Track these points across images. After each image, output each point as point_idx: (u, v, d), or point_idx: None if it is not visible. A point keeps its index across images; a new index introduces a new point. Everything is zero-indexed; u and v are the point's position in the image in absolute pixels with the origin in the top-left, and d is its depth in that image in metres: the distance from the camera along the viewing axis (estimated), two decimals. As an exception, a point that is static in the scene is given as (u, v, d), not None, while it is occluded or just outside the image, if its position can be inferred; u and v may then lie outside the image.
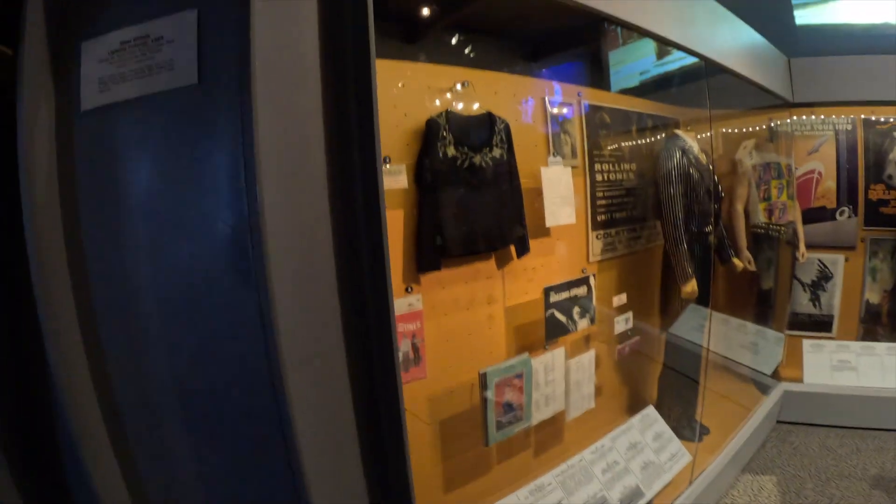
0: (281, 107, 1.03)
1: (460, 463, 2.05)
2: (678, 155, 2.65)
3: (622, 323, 2.47)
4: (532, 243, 2.21)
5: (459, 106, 1.98)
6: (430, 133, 1.84)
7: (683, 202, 2.63)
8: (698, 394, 2.84)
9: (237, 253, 1.06)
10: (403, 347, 1.74)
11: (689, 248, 2.64)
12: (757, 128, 3.67)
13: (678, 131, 2.78)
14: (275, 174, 1.01)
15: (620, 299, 2.47)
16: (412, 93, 1.88)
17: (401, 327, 1.72)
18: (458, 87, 1.96)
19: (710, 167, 2.88)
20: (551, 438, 2.40)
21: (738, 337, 3.42)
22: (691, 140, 2.76)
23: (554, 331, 2.16)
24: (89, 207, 1.24)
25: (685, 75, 2.91)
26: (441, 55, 1.99)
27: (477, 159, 1.93)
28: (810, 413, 3.34)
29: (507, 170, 2.05)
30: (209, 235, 1.11)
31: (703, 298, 2.83)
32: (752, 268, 3.26)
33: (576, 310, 2.25)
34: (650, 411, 2.46)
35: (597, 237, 2.58)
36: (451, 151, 1.87)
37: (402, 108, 1.85)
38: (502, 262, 2.15)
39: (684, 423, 2.80)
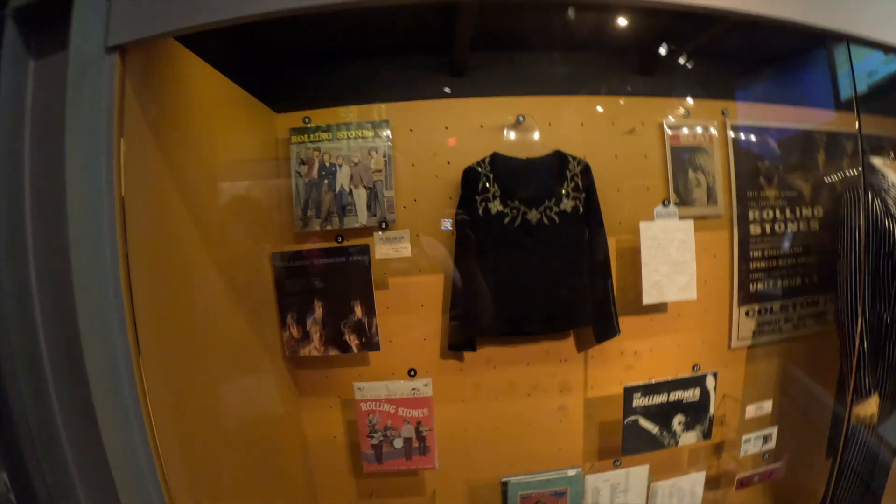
0: None
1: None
2: (867, 200, 1.64)
3: (756, 442, 1.70)
4: (635, 319, 1.68)
5: (519, 145, 1.58)
6: (467, 185, 1.52)
7: (871, 274, 1.64)
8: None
9: None
10: (405, 434, 1.51)
11: (875, 346, 1.65)
12: None
13: (878, 160, 1.72)
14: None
15: (761, 408, 1.70)
16: (461, 135, 1.58)
17: (402, 412, 1.49)
18: (517, 122, 1.56)
19: None
20: None
21: None
22: (894, 175, 1.69)
23: (636, 443, 1.61)
24: None
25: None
26: (499, 85, 1.61)
27: (533, 216, 1.52)
28: None
29: (585, 227, 1.57)
30: None
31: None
32: None
33: (678, 419, 1.63)
34: None
35: (746, 314, 1.82)
36: (495, 207, 1.51)
37: (444, 156, 1.57)
38: (585, 344, 1.68)
39: None
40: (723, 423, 1.81)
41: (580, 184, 1.55)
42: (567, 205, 1.54)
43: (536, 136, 1.59)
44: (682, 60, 1.69)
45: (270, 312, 1.52)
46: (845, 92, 1.97)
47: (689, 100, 1.72)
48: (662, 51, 1.68)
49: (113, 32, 0.82)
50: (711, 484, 1.85)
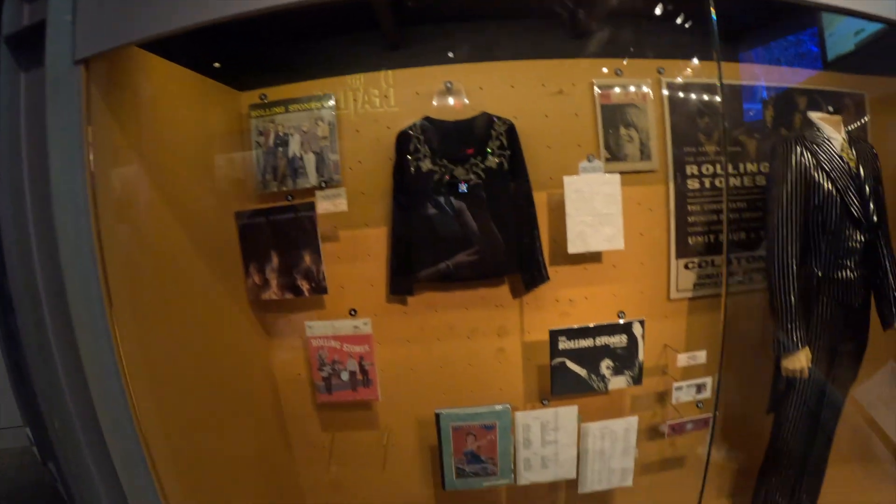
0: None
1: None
2: (797, 153, 1.63)
3: (688, 391, 1.76)
4: (569, 269, 1.80)
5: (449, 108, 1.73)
6: (400, 147, 1.69)
7: (799, 227, 1.63)
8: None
9: None
10: (349, 367, 1.71)
11: (808, 299, 1.65)
12: None
13: (815, 115, 1.69)
14: None
15: (694, 358, 1.75)
16: (399, 103, 1.75)
17: (346, 348, 1.70)
18: (446, 88, 1.71)
19: (866, 174, 1.68)
20: None
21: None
22: (833, 130, 1.65)
23: (565, 385, 1.73)
24: None
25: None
26: (433, 55, 1.76)
27: (459, 172, 1.67)
28: None
29: (510, 181, 1.70)
30: None
31: (842, 378, 1.74)
32: None
33: (606, 363, 1.73)
34: None
35: (686, 266, 1.87)
36: (426, 166, 1.67)
37: (384, 122, 1.75)
38: (519, 291, 1.81)
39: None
40: (665, 372, 1.88)
41: (505, 142, 1.68)
42: (492, 162, 1.68)
43: (466, 100, 1.73)
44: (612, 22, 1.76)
45: (237, 264, 1.77)
46: (791, 49, 1.97)
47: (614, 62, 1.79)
48: (593, 13, 1.77)
49: (78, 49, 1.05)
50: (653, 433, 1.93)
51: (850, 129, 1.83)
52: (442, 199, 1.68)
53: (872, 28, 1.89)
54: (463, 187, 1.69)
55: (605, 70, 1.79)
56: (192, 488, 1.32)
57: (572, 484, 1.80)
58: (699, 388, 1.75)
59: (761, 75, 2.01)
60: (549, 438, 1.74)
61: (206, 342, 1.55)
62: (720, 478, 2.06)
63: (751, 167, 1.89)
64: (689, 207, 1.83)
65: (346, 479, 1.91)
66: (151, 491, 1.18)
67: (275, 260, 1.74)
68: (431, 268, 1.70)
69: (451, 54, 1.76)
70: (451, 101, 1.73)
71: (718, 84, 1.70)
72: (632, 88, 1.79)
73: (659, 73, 1.82)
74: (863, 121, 2.13)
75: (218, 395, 1.57)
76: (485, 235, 1.68)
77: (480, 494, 1.89)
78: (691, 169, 1.83)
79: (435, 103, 1.73)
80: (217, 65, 1.68)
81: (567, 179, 1.67)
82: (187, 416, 1.39)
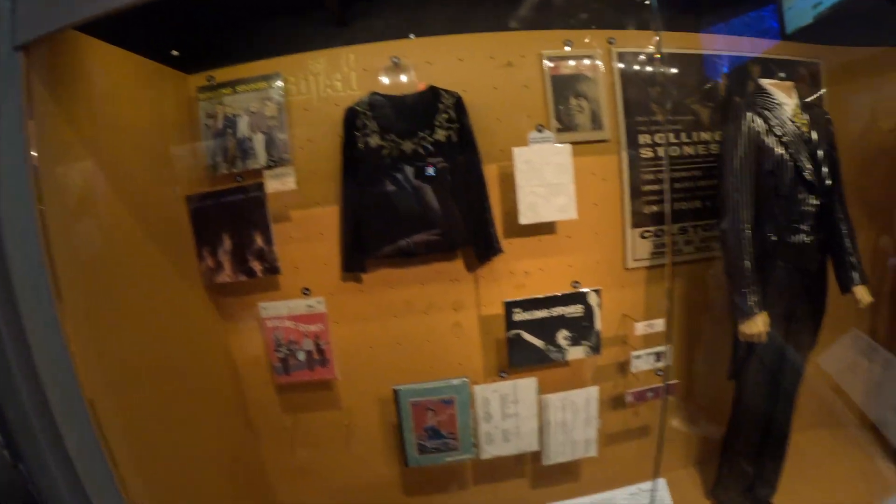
0: None
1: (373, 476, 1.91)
2: (747, 118, 1.63)
3: (647, 359, 1.76)
4: (523, 241, 1.79)
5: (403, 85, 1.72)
6: (348, 124, 1.68)
7: (751, 192, 1.63)
8: (779, 469, 1.83)
9: None
10: (305, 347, 1.70)
11: (763, 264, 1.65)
12: None
13: (767, 82, 1.69)
14: None
15: (651, 326, 1.75)
16: (347, 79, 1.74)
17: (301, 328, 1.69)
18: (393, 64, 1.70)
19: (819, 139, 1.69)
20: (509, 481, 1.96)
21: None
22: (785, 95, 1.65)
23: (523, 356, 1.72)
24: None
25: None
26: (381, 31, 1.75)
27: (407, 147, 1.66)
28: None
29: (459, 154, 1.69)
30: None
31: (801, 343, 1.74)
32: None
33: (563, 334, 1.73)
34: (660, 486, 1.71)
35: (642, 235, 1.87)
36: (374, 141, 1.67)
37: (332, 100, 1.74)
38: (473, 265, 1.81)
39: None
40: (625, 342, 1.88)
41: (453, 115, 1.68)
42: (440, 135, 1.67)
43: (413, 74, 1.72)
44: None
45: (191, 249, 1.76)
46: (753, 25, 1.97)
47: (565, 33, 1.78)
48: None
49: (18, 33, 1.02)
50: (616, 403, 1.93)
51: (808, 99, 1.84)
52: (398, 176, 1.67)
53: (830, 1, 1.90)
54: (430, 170, 1.68)
55: (554, 41, 1.79)
56: (154, 481, 1.31)
57: (538, 457, 1.80)
58: (658, 356, 1.75)
59: (721, 46, 2.01)
60: (509, 411, 1.74)
61: (162, 330, 1.54)
62: (687, 446, 2.07)
63: (705, 136, 1.89)
64: (644, 176, 1.83)
65: (311, 462, 1.90)
66: (111, 488, 1.17)
67: (227, 242, 1.73)
68: (391, 245, 1.69)
69: (399, 30, 1.75)
70: (398, 76, 1.72)
71: (658, 54, 1.71)
72: (582, 59, 1.79)
73: (610, 43, 1.81)
74: (820, 93, 2.15)
75: (177, 383, 1.55)
76: (436, 210, 1.67)
77: (447, 470, 1.90)
78: (644, 138, 1.83)
79: (385, 80, 1.71)
80: (168, 49, 1.66)
81: (516, 151, 1.66)
82: (146, 407, 1.37)
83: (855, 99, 2.23)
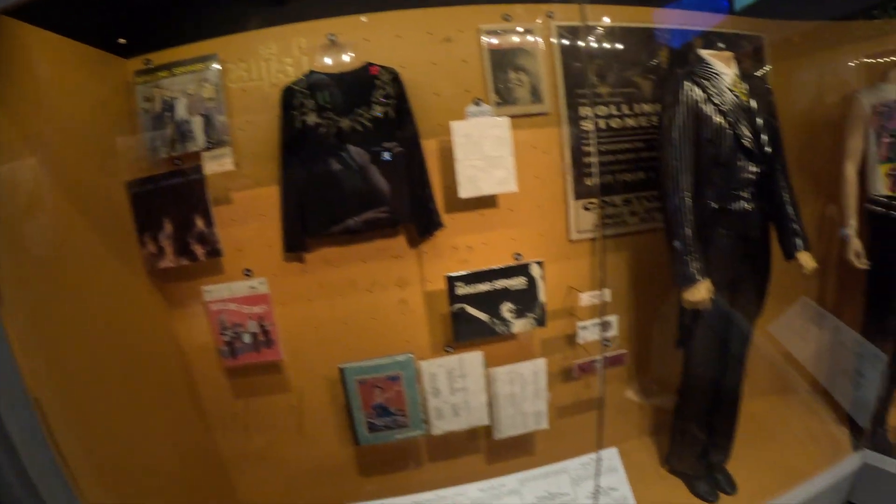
0: None
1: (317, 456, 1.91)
2: (685, 87, 1.65)
3: (593, 329, 1.77)
4: (464, 215, 1.79)
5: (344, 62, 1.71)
6: (285, 103, 1.67)
7: (691, 160, 1.65)
8: (731, 434, 1.86)
9: None
10: (251, 329, 1.70)
11: (705, 231, 1.67)
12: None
13: (706, 52, 1.71)
14: None
15: (597, 296, 1.77)
16: (285, 58, 1.73)
17: (245, 310, 1.68)
18: (329, 41, 1.70)
19: (758, 108, 1.72)
20: (464, 457, 1.97)
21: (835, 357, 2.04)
22: (723, 65, 1.67)
23: (468, 330, 1.73)
24: None
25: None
26: (321, 9, 1.74)
27: (345, 124, 1.66)
28: None
29: (397, 130, 1.69)
30: None
31: (747, 310, 1.77)
32: (861, 264, 1.94)
33: (507, 307, 1.73)
34: (610, 455, 1.73)
35: (585, 207, 1.88)
36: (311, 119, 1.66)
37: (270, 80, 1.73)
38: (415, 241, 1.81)
39: (700, 472, 1.89)
40: (571, 314, 1.89)
41: (391, 91, 1.68)
42: (378, 111, 1.67)
43: (350, 52, 1.72)
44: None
45: (131, 236, 1.74)
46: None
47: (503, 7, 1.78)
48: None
49: None
50: (566, 375, 1.94)
51: (754, 72, 1.87)
52: (330, 152, 1.66)
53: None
54: (386, 155, 1.68)
55: (493, 16, 1.79)
56: (105, 474, 1.30)
57: (490, 431, 1.81)
58: (604, 326, 1.77)
59: (671, 20, 2.03)
60: (457, 386, 1.75)
61: (106, 322, 1.51)
62: (641, 416, 2.09)
63: (647, 107, 1.91)
64: (585, 149, 1.85)
65: (266, 446, 1.89)
66: (63, 486, 1.16)
67: (167, 227, 1.71)
68: (339, 224, 1.69)
69: (337, 7, 1.75)
70: (336, 54, 1.72)
71: (599, 27, 1.72)
72: (521, 34, 1.79)
73: (549, 16, 1.82)
74: (766, 68, 2.18)
75: (126, 373, 1.53)
76: (375, 186, 1.67)
77: (401, 448, 1.90)
78: (585, 111, 1.84)
79: (323, 58, 1.71)
80: (106, 34, 1.64)
81: (454, 124, 1.66)
82: (95, 401, 1.36)
83: (798, 73, 2.27)
